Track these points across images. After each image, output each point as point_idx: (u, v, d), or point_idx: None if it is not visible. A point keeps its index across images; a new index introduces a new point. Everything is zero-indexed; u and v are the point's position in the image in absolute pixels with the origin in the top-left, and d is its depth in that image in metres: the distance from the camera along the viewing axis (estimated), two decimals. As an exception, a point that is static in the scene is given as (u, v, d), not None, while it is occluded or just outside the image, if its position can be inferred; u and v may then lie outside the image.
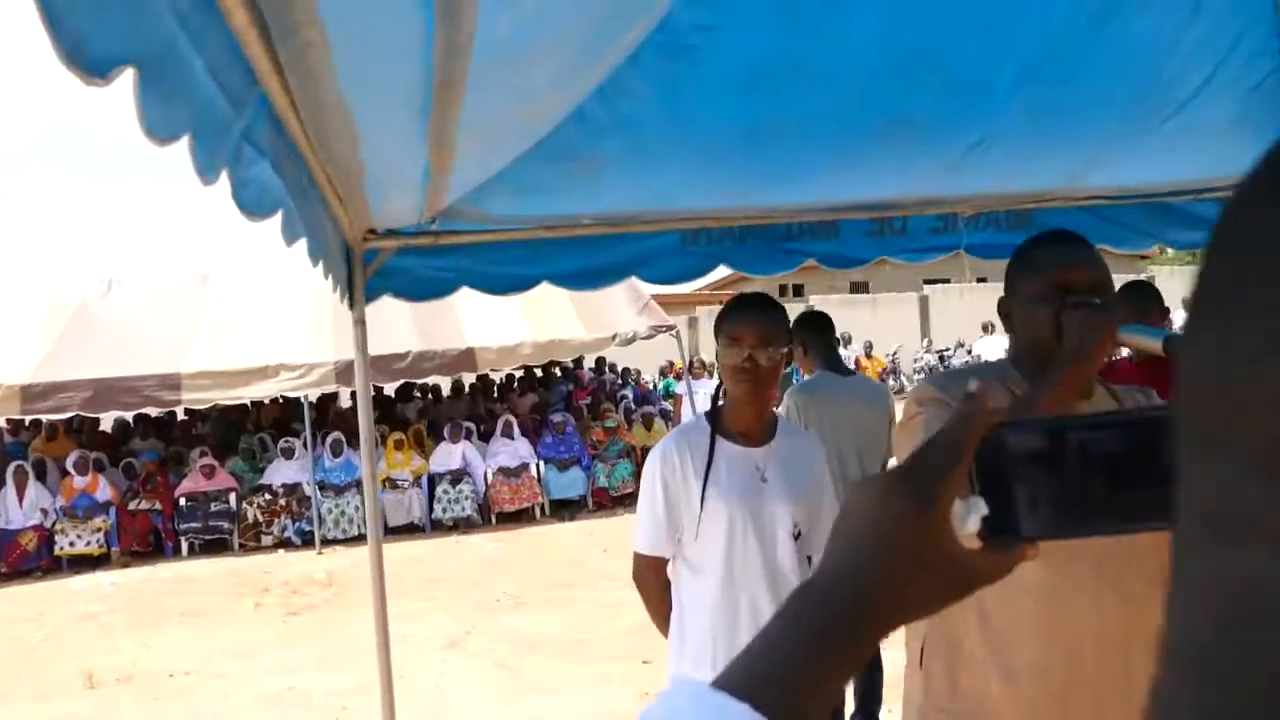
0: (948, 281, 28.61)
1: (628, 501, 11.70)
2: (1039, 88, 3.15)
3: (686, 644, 2.20)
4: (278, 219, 1.78)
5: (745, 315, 2.21)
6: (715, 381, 13.94)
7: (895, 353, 23.34)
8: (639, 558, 2.29)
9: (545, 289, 3.95)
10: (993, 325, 17.40)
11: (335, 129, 1.86)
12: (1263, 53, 3.39)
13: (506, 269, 3.69)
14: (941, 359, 24.22)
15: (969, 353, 18.99)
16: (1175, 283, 27.36)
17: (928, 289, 27.76)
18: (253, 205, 1.55)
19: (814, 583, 0.61)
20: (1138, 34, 3.09)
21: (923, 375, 19.84)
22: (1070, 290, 1.70)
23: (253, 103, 1.48)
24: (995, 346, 16.70)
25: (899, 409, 1.94)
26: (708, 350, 16.02)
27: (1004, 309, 1.84)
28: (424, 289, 3.66)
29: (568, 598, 7.59)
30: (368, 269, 3.51)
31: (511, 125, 2.48)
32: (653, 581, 2.31)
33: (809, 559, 2.28)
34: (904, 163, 3.43)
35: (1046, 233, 1.82)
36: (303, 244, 2.13)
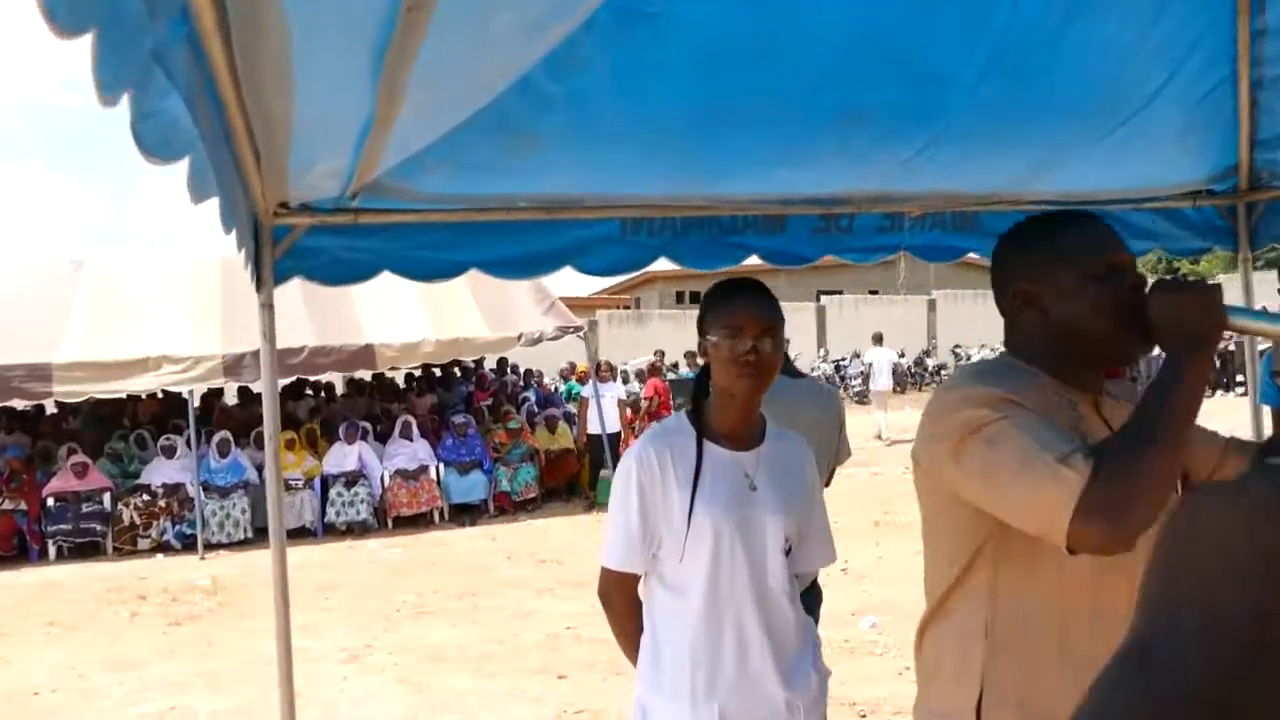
0: (841, 293, 29.09)
1: (530, 507, 11.40)
2: (1001, 84, 3.03)
3: (662, 672, 1.97)
4: (184, 167, 1.48)
5: (746, 300, 1.98)
6: (622, 385, 13.75)
7: (794, 360, 23.60)
8: (607, 574, 2.04)
9: (450, 284, 3.73)
10: (882, 336, 17.87)
11: (269, 67, 1.57)
12: (1217, 60, 3.34)
13: (432, 253, 3.39)
14: (837, 368, 24.66)
15: (863, 361, 19.33)
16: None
17: (824, 300, 28.17)
18: (155, 144, 1.25)
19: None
20: (1103, 35, 2.99)
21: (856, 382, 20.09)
22: (1125, 271, 1.53)
23: (173, 14, 1.20)
24: (885, 356, 17.18)
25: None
26: (607, 354, 15.82)
27: (1020, 301, 1.61)
28: (340, 272, 3.33)
29: (473, 607, 7.26)
30: (277, 247, 3.17)
31: (458, 84, 2.21)
32: (622, 601, 2.07)
33: (795, 577, 2.08)
34: (858, 156, 3.27)
35: (1063, 212, 1.64)
36: (214, 206, 1.82)
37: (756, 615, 1.95)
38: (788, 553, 2.02)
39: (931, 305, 28.25)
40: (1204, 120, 3.63)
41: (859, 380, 22.47)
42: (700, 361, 2.06)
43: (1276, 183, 3.97)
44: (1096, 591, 1.47)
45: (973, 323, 27.46)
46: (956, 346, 26.53)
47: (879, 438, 15.90)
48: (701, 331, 2.01)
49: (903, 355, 25.63)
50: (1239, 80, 3.44)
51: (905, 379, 25.16)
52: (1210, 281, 1.50)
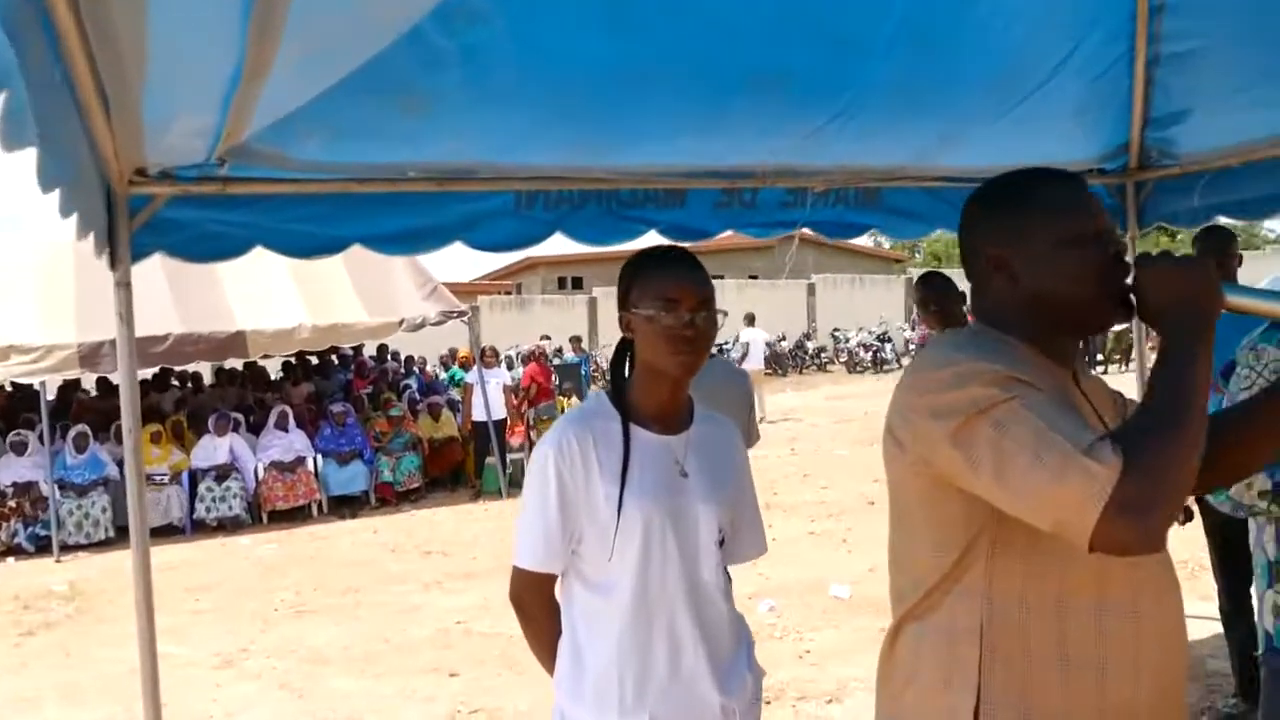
0: (723, 278, 29.33)
1: (414, 497, 11.05)
2: (913, 52, 2.95)
3: (585, 680, 1.79)
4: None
5: (681, 270, 1.81)
6: (507, 370, 13.47)
7: None
8: (521, 574, 1.85)
9: (326, 268, 3.45)
10: (754, 317, 18.18)
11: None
12: (1117, 35, 3.34)
13: (311, 227, 3.13)
14: (721, 350, 24.86)
15: (742, 342, 19.53)
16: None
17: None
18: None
19: None
20: (1011, 5, 2.94)
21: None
22: (1105, 237, 1.40)
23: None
24: (757, 337, 17.52)
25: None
26: (489, 340, 15.51)
27: (990, 267, 1.46)
28: (207, 248, 3.04)
29: (356, 604, 6.94)
30: (134, 219, 2.86)
31: (340, 31, 1.97)
32: (538, 604, 1.88)
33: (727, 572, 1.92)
34: (768, 125, 3.15)
35: (1043, 169, 1.49)
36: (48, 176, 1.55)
37: (689, 613, 1.79)
38: (721, 544, 1.87)
39: (811, 289, 28.72)
40: (1101, 97, 3.64)
41: (739, 363, 22.69)
42: (625, 336, 1.88)
43: (1166, 161, 4.02)
44: (1102, 588, 1.35)
45: (851, 306, 28.05)
46: (836, 330, 27.02)
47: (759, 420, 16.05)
48: (626, 304, 1.83)
49: (783, 339, 26.01)
50: (1136, 57, 3.45)
51: (786, 362, 25.53)
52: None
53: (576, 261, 35.59)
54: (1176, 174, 4.01)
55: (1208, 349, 1.28)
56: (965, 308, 4.46)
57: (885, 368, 24.95)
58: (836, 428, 14.91)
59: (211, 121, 2.19)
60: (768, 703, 4.46)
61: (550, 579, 1.84)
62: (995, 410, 1.28)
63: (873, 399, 18.31)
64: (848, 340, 25.97)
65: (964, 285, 1.81)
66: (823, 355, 26.28)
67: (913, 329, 23.84)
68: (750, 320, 18.16)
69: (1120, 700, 1.33)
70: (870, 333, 25.88)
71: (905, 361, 24.51)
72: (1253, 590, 2.34)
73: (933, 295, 4.25)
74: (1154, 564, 1.37)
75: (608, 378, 1.97)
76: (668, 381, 1.81)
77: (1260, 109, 3.45)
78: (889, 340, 25.63)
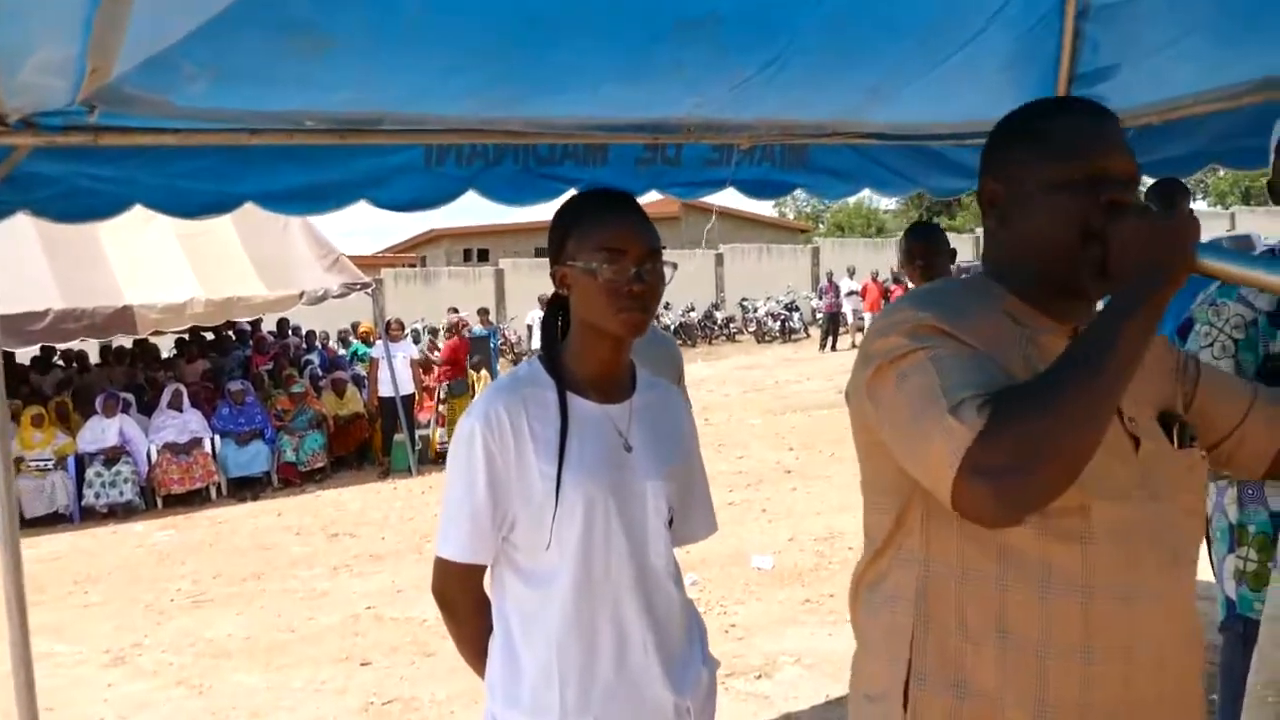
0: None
1: (319, 477, 10.67)
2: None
3: (522, 682, 1.59)
4: None
5: (625, 217, 1.61)
6: (414, 344, 13.10)
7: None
8: (446, 566, 1.64)
9: (219, 238, 3.16)
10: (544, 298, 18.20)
11: None
12: (1048, -15, 3.24)
13: (197, 183, 2.83)
14: (531, 330, 24.68)
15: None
16: (834, 253, 29.61)
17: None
18: None
19: None
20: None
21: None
22: (1108, 183, 1.24)
23: None
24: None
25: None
26: (394, 314, 15.08)
27: (985, 201, 1.35)
28: (78, 206, 2.72)
29: (260, 591, 6.61)
30: (-8, 175, 2.54)
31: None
32: (466, 599, 1.67)
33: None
34: (695, 75, 2.96)
35: (1063, 99, 1.39)
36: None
37: (637, 602, 1.62)
38: (670, 523, 1.69)
39: (719, 260, 28.78)
40: (1029, 51, 3.54)
41: (652, 335, 22.59)
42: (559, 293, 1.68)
43: (1091, 119, 3.96)
44: (1045, 560, 1.21)
45: (759, 276, 28.20)
46: (744, 300, 27.16)
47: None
48: (561, 256, 1.63)
49: (692, 309, 26.03)
50: (1066, 8, 3.35)
51: (695, 332, 25.56)
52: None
53: (482, 233, 35.05)
54: (1102, 131, 3.95)
55: (1152, 320, 1.13)
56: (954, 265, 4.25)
57: (793, 337, 25.18)
58: (748, 397, 14.94)
59: (71, 53, 1.90)
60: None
61: (479, 570, 1.64)
62: (902, 361, 1.20)
63: (782, 368, 18.44)
64: (756, 310, 26.11)
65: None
66: (731, 325, 26.39)
67: (819, 298, 24.06)
68: (543, 301, 18.26)
69: (1064, 682, 1.20)
70: (778, 302, 26.07)
71: (813, 331, 24.79)
72: (1211, 554, 2.27)
73: (919, 246, 3.98)
74: (1135, 543, 1.22)
75: (516, 350, 1.77)
76: (610, 343, 1.63)
77: (1186, 63, 3.39)
78: (797, 310, 25.86)
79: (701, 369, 19.42)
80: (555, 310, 1.70)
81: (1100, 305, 1.25)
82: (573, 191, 3.41)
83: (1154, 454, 1.29)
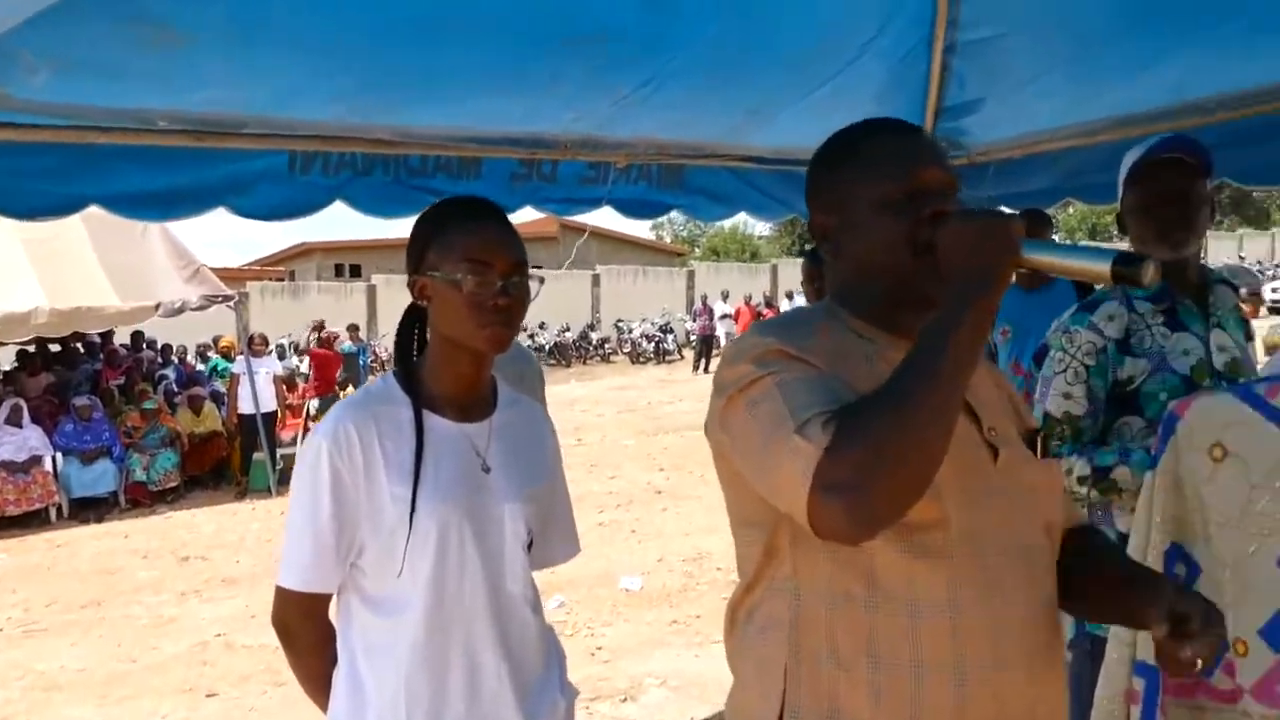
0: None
1: (170, 497, 10.15)
2: (728, 20, 2.81)
3: (366, 714, 1.49)
4: None
5: (491, 227, 1.55)
6: (278, 359, 12.65)
7: None
8: (287, 596, 1.53)
9: (69, 244, 2.93)
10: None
11: None
12: (921, 18, 3.33)
13: (35, 184, 2.62)
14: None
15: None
16: (709, 276, 30.05)
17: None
18: None
19: None
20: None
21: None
22: (929, 196, 1.27)
23: None
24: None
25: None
26: (259, 329, 14.55)
27: (818, 235, 1.38)
28: (-102, 203, 2.51)
29: (98, 619, 6.21)
30: None
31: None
32: (308, 630, 1.56)
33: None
34: (574, 90, 2.93)
35: (869, 121, 1.39)
36: None
37: (492, 631, 1.55)
38: (529, 547, 1.63)
39: (596, 280, 28.83)
40: (900, 81, 3.64)
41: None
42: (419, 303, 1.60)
43: (955, 152, 4.09)
44: (911, 579, 1.20)
45: (634, 298, 28.37)
46: (619, 321, 27.27)
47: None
48: (422, 266, 1.56)
49: (567, 329, 25.99)
50: (934, 42, 3.45)
51: (570, 352, 25.51)
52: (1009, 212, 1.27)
53: (355, 248, 34.24)
54: (965, 163, 4.09)
55: (982, 317, 1.14)
56: None
57: (668, 358, 25.39)
58: (621, 418, 14.95)
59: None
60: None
61: (323, 600, 1.54)
62: (751, 389, 1.19)
63: (656, 389, 18.54)
64: (631, 331, 26.24)
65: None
66: (606, 346, 26.46)
67: (694, 320, 24.35)
68: None
69: (938, 704, 1.19)
70: (653, 324, 26.27)
71: (687, 353, 25.06)
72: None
73: (815, 270, 4.11)
74: (994, 554, 1.23)
75: (387, 368, 1.69)
76: (470, 359, 1.56)
77: (1046, 99, 3.54)
78: (671, 331, 26.10)
79: (575, 389, 19.37)
80: (412, 323, 1.63)
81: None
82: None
83: (1013, 464, 1.30)
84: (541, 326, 25.55)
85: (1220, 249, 34.41)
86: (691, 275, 31.00)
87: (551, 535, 1.74)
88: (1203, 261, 2.47)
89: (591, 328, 27.28)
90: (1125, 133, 3.40)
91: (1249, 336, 2.45)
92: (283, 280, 29.08)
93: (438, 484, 1.50)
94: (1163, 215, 2.19)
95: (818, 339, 1.25)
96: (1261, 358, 3.28)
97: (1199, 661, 1.18)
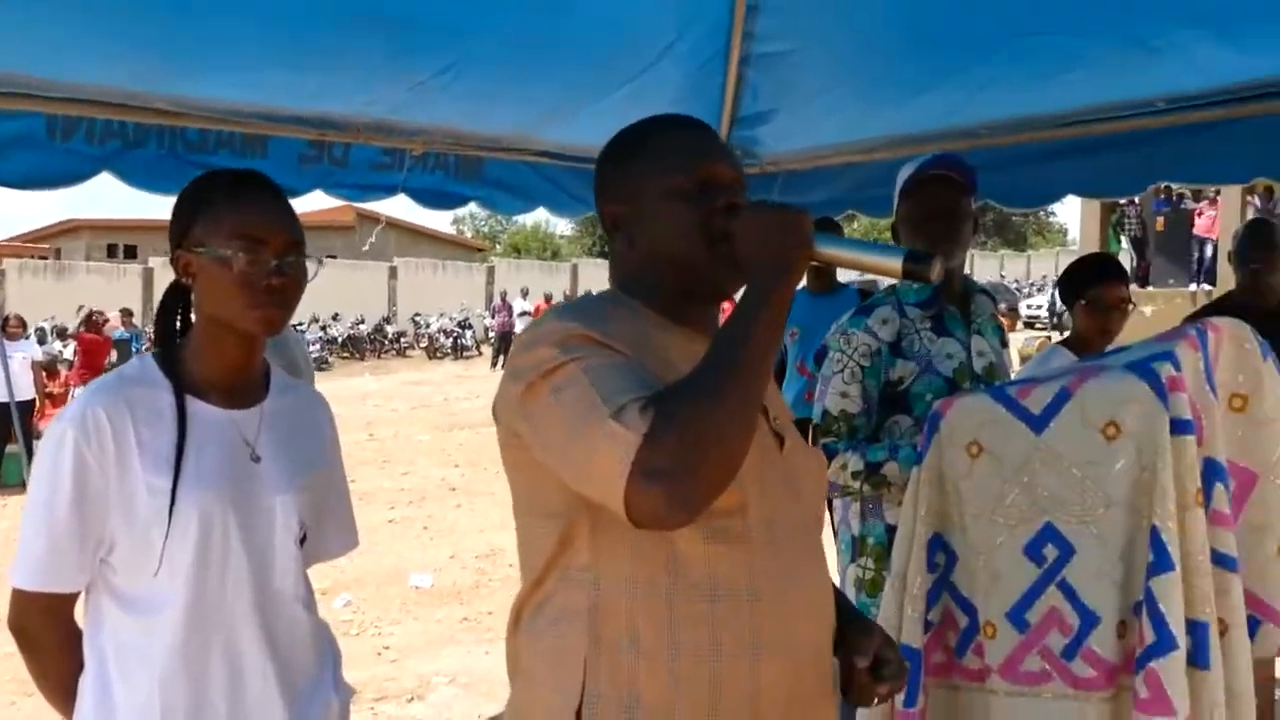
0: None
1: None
2: (532, 13, 2.80)
3: None
4: None
5: (265, 202, 1.46)
6: (38, 344, 11.68)
7: None
8: (23, 596, 1.40)
9: None
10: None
11: None
12: (719, 28, 3.41)
13: None
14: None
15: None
16: (510, 273, 29.88)
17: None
18: None
19: None
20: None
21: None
22: (719, 189, 1.32)
23: None
24: None
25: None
26: (18, 310, 13.37)
27: (609, 226, 1.40)
28: None
29: None
30: None
31: None
32: (49, 632, 1.43)
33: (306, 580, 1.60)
34: (370, 71, 2.84)
35: (660, 117, 1.42)
36: None
37: (258, 631, 1.46)
38: (301, 541, 1.55)
39: (393, 273, 28.15)
40: (698, 88, 3.72)
41: (317, 346, 21.66)
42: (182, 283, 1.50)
43: (748, 161, 4.23)
44: (711, 565, 1.23)
45: (433, 292, 27.86)
46: (417, 314, 26.73)
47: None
48: (186, 241, 1.47)
49: (362, 322, 25.25)
50: (731, 53, 3.55)
51: (364, 346, 24.79)
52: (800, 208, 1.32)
53: (130, 228, 31.99)
54: (757, 173, 4.23)
55: (780, 303, 1.20)
56: None
57: (465, 354, 25.09)
58: (416, 413, 14.66)
59: None
60: (345, 707, 4.13)
61: (64, 600, 1.42)
62: (555, 374, 1.19)
63: (453, 384, 18.29)
64: (429, 326, 25.76)
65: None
66: (403, 340, 25.88)
67: (493, 316, 24.18)
68: None
69: (736, 686, 1.22)
70: (452, 319, 25.88)
71: (485, 349, 24.82)
72: (837, 565, 2.46)
73: None
74: (784, 539, 1.28)
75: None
76: (239, 342, 1.48)
77: (832, 115, 3.71)
78: (470, 327, 25.82)
79: (369, 383, 18.84)
80: (175, 302, 1.53)
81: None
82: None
83: (793, 452, 1.37)
84: (335, 318, 24.71)
85: (983, 268, 37.25)
86: (492, 271, 30.79)
87: (327, 527, 1.66)
88: (966, 273, 2.67)
89: (387, 321, 26.62)
90: (898, 152, 3.61)
91: (1004, 343, 2.66)
92: (46, 259, 26.84)
93: (200, 474, 1.40)
94: (931, 228, 2.34)
95: (618, 325, 1.25)
96: (1016, 365, 3.56)
97: (881, 694, 1.35)
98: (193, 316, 1.51)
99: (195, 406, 1.44)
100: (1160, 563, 1.56)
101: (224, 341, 1.48)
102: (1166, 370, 1.62)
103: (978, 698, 1.80)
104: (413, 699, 4.37)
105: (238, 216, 1.43)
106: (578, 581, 1.26)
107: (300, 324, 23.67)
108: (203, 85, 2.79)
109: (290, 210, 1.50)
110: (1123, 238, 18.32)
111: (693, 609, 1.22)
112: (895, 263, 1.23)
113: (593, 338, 1.20)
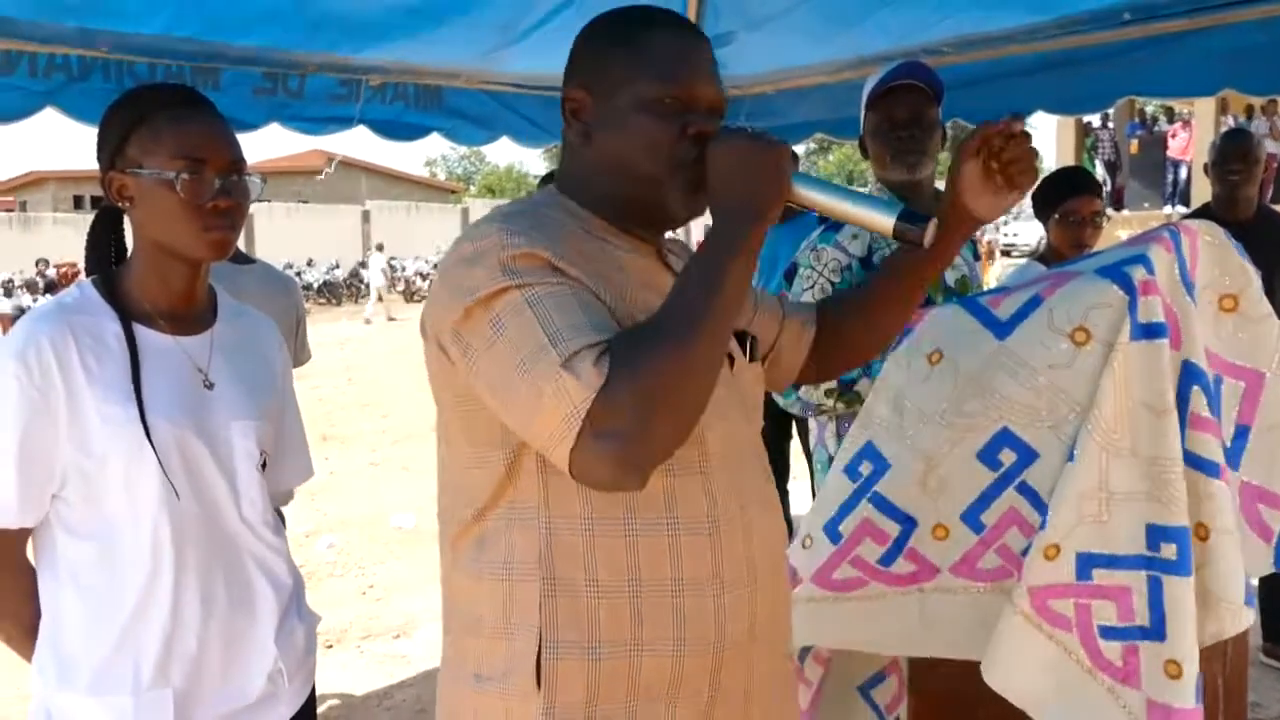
0: (270, 201, 27.50)
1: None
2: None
3: (79, 660, 1.36)
4: None
5: (204, 119, 1.40)
6: (5, 297, 11.51)
7: None
8: None
9: None
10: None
11: None
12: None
13: None
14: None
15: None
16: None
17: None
18: None
19: None
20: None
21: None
22: (696, 112, 1.20)
23: None
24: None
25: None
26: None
27: (568, 110, 1.25)
28: None
29: None
30: None
31: None
32: (2, 571, 1.40)
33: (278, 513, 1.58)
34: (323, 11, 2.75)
35: (661, 11, 1.25)
36: None
37: (225, 556, 1.44)
38: (263, 468, 1.53)
39: (366, 216, 27.84)
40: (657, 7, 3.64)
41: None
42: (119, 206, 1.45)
43: (715, 83, 4.17)
44: (670, 496, 1.17)
45: (407, 235, 27.61)
46: (392, 259, 26.49)
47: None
48: (120, 161, 1.41)
49: (337, 266, 25.03)
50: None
51: (340, 290, 24.61)
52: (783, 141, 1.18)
53: (96, 178, 31.40)
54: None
55: (752, 246, 1.11)
56: None
57: (443, 297, 24.95)
58: (394, 356, 14.58)
59: None
60: (329, 646, 4.17)
61: (19, 536, 1.39)
62: (495, 302, 1.08)
63: (431, 328, 18.19)
64: (404, 269, 25.56)
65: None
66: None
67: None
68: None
69: (700, 618, 1.18)
70: (427, 261, 25.67)
71: (462, 291, 24.69)
72: (814, 484, 2.46)
73: None
74: (738, 463, 1.24)
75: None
76: (186, 267, 1.44)
77: (795, 35, 3.63)
78: (446, 269, 25.65)
79: (346, 329, 18.72)
80: (108, 223, 1.48)
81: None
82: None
83: (741, 371, 1.31)
84: (310, 264, 24.46)
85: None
86: (466, 213, 30.49)
87: (284, 457, 1.63)
88: (936, 186, 2.63)
89: (363, 265, 26.38)
90: (864, 71, 3.53)
91: (976, 255, 2.63)
92: (12, 211, 26.37)
93: (155, 403, 1.37)
94: (897, 138, 2.31)
95: (568, 243, 1.15)
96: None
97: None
98: (134, 242, 1.46)
99: (143, 334, 1.40)
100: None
101: (169, 267, 1.43)
102: (1139, 273, 1.58)
103: (910, 600, 1.73)
104: (399, 636, 4.40)
105: (178, 135, 1.37)
106: (524, 522, 1.18)
107: (291, 264, 23.41)
108: (148, 19, 2.70)
109: (228, 127, 1.45)
110: (1097, 161, 18.27)
111: (652, 544, 1.17)
112: (886, 220, 1.15)
113: (542, 258, 1.11)
